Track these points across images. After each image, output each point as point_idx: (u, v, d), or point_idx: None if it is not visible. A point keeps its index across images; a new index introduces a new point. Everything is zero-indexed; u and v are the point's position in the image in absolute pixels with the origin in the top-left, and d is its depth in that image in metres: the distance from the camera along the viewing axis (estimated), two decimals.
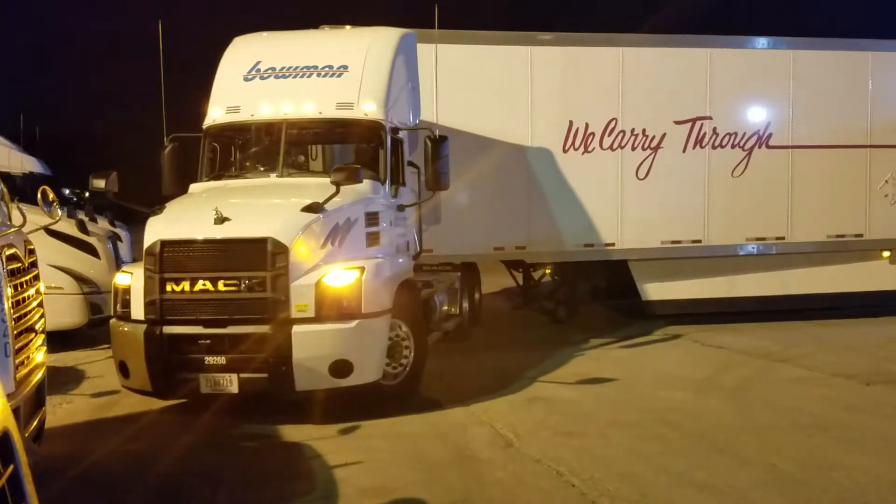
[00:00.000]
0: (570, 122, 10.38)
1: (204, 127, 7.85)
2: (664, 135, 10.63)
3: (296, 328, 6.07)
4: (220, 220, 6.16)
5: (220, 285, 6.14)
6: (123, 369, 6.43)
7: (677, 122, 10.72)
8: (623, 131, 10.51)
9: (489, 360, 8.85)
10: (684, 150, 10.75)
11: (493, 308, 12.21)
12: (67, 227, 9.74)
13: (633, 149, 10.56)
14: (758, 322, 10.98)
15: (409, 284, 7.29)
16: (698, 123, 10.79)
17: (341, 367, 6.16)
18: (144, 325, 6.20)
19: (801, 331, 10.62)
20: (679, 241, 10.76)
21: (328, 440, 5.86)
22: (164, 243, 6.22)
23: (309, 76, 7.73)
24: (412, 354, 6.98)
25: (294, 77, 7.75)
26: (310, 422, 6.19)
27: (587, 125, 10.42)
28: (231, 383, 6.10)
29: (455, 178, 9.59)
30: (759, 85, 11.12)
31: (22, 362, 4.00)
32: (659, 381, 7.91)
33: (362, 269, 6.36)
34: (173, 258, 6.22)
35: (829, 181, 11.18)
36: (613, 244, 10.55)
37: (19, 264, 4.24)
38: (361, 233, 6.85)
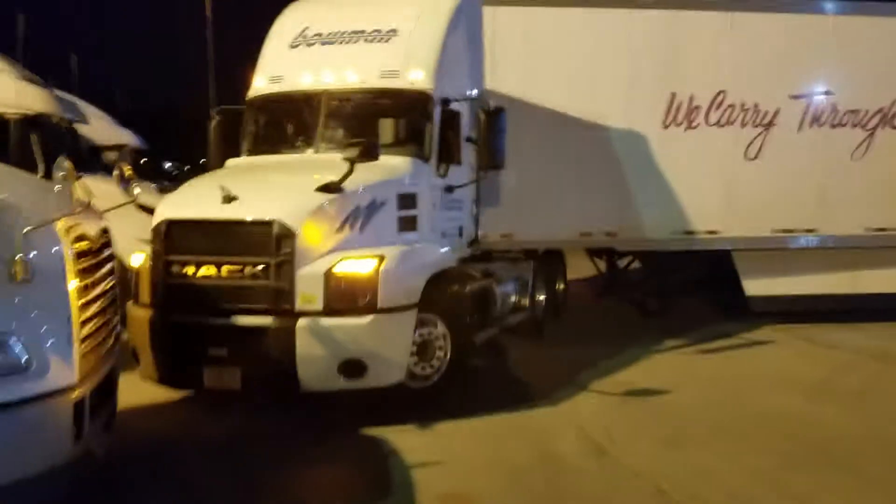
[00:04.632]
0: (673, 95, 9.46)
1: (247, 98, 7.50)
2: (778, 110, 9.58)
3: (301, 322, 5.47)
4: (228, 199, 5.65)
5: (224, 271, 5.61)
6: (135, 356, 6.02)
7: (793, 97, 9.66)
8: (732, 105, 9.51)
9: (575, 353, 8.21)
10: (800, 128, 9.69)
11: (577, 298, 11.53)
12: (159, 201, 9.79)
13: (743, 125, 9.55)
14: (875, 321, 9.80)
15: (449, 275, 6.52)
16: (816, 98, 9.71)
17: (353, 367, 5.53)
18: (150, 311, 5.83)
19: None
20: (791, 231, 9.72)
21: (404, 436, 5.48)
22: (170, 223, 5.79)
23: (356, 42, 7.18)
24: (448, 354, 6.19)
25: (340, 43, 7.23)
26: (386, 415, 5.78)
27: (692, 98, 9.47)
28: (234, 379, 5.55)
29: (538, 157, 8.97)
30: (888, 57, 9.88)
31: (90, 350, 3.80)
32: (768, 383, 7.19)
33: (381, 257, 5.68)
34: (177, 240, 5.75)
35: None
36: (717, 231, 9.63)
37: (89, 244, 4.04)
38: (392, 216, 6.21)
